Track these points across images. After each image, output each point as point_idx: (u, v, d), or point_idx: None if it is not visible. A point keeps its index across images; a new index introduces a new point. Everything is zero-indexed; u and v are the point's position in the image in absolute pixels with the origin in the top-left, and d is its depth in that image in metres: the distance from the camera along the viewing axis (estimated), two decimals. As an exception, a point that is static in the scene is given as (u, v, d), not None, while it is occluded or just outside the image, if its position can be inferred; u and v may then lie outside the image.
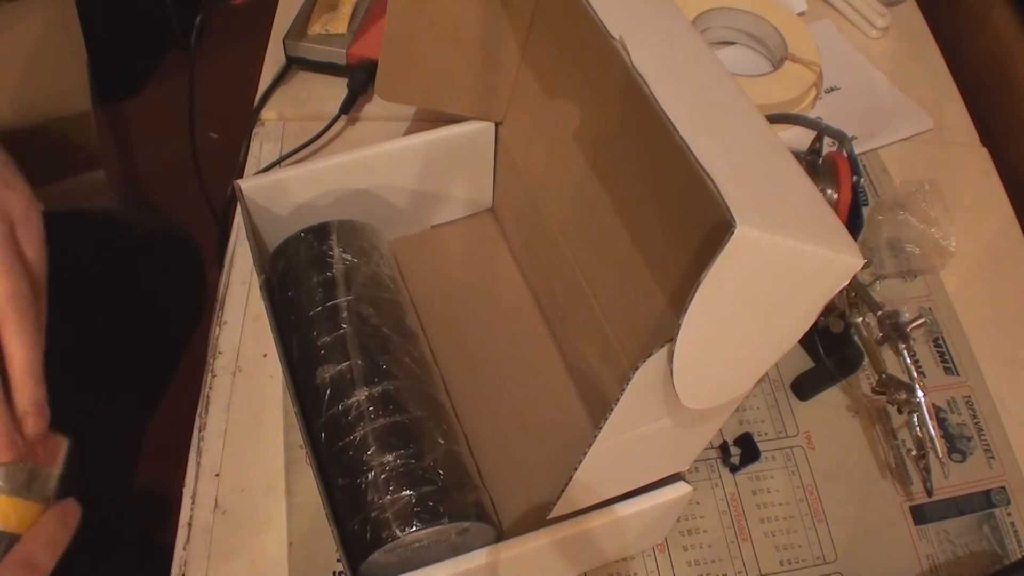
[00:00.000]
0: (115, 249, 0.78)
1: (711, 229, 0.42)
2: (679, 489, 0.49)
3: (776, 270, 0.33)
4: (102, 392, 0.74)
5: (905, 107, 0.81)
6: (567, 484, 0.43)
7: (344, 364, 0.51)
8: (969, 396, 0.65)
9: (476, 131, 0.63)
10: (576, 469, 0.42)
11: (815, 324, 0.63)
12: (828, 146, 0.66)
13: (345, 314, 0.53)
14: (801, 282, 0.35)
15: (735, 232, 0.30)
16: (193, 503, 0.56)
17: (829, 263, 0.34)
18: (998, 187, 0.77)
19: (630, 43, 0.37)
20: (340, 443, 0.49)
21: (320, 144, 0.74)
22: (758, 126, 0.38)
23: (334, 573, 0.54)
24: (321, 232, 0.57)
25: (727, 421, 0.60)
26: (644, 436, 0.42)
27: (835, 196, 0.63)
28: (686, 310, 0.33)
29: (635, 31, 0.38)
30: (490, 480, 0.54)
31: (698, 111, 0.36)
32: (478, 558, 0.46)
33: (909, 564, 0.57)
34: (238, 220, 0.69)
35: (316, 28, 0.77)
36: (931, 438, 0.57)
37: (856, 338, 0.64)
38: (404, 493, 0.47)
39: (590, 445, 0.40)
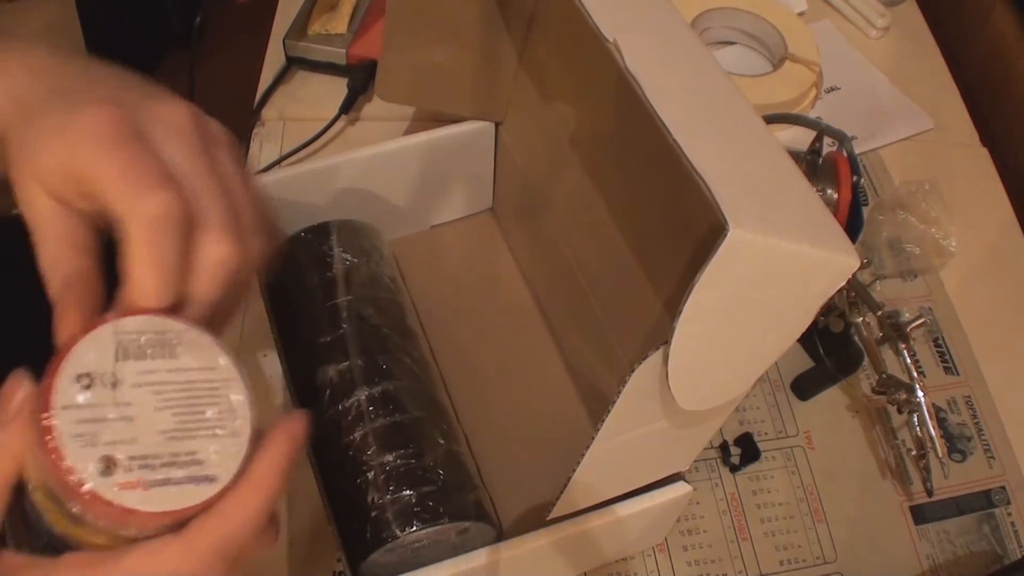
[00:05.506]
0: (115, 249, 0.78)
1: (706, 231, 0.42)
2: (679, 489, 0.49)
3: (771, 272, 0.33)
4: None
5: (905, 107, 0.81)
6: (566, 484, 0.43)
7: (344, 364, 0.51)
8: (969, 396, 0.65)
9: (476, 131, 0.63)
10: (575, 470, 0.42)
11: (815, 324, 0.63)
12: (828, 146, 0.66)
13: (345, 314, 0.54)
14: (797, 283, 0.35)
15: (728, 235, 0.30)
16: (194, 503, 0.56)
17: (825, 264, 0.34)
18: (998, 187, 0.77)
19: (624, 45, 0.37)
20: (340, 443, 0.49)
21: (320, 144, 0.74)
22: (754, 127, 0.38)
23: (334, 573, 0.54)
24: (321, 232, 0.57)
25: (727, 421, 0.60)
26: (643, 437, 0.42)
27: (835, 196, 0.63)
28: (680, 313, 0.33)
29: (630, 33, 0.38)
30: (490, 480, 0.54)
31: (692, 112, 0.36)
32: (478, 558, 0.46)
33: (909, 564, 0.57)
34: (238, 220, 0.69)
35: (316, 28, 0.77)
36: (931, 438, 0.57)
37: (856, 338, 0.64)
38: (404, 493, 0.47)
39: (588, 446, 0.40)
